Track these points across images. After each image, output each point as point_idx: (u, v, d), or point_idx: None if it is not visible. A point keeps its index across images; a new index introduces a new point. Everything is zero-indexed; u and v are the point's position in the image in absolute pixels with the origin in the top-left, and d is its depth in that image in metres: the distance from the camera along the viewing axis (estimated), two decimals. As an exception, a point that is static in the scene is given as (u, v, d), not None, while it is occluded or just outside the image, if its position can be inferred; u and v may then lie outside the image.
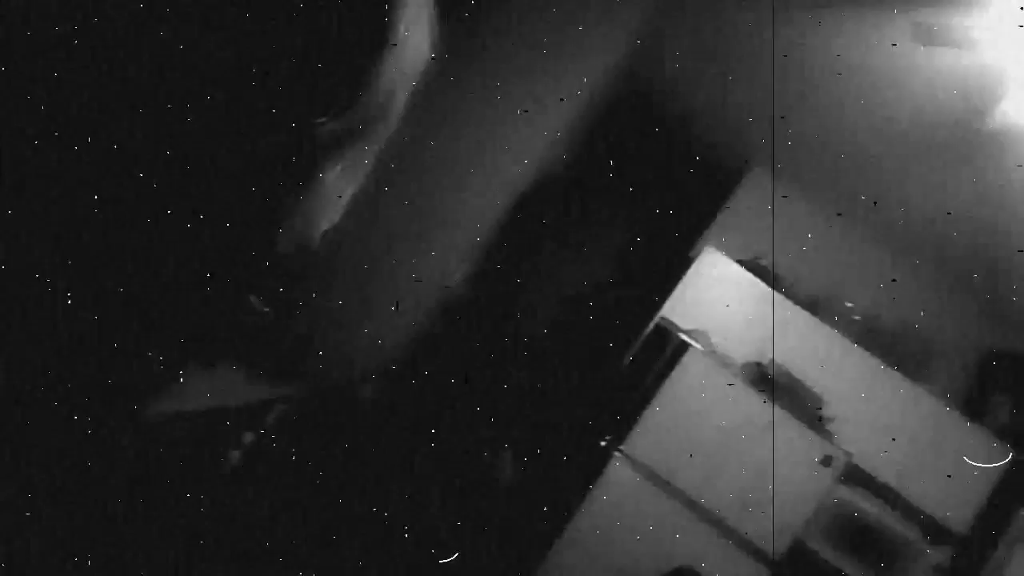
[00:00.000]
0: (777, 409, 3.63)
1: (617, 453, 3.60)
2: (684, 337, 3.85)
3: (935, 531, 3.94)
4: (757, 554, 3.53)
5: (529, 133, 3.59)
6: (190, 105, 0.47)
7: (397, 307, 3.36)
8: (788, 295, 4.23)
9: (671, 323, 4.07)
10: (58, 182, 0.48)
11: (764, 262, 4.36)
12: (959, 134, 3.24)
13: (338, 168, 0.55)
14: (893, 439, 4.00)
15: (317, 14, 0.48)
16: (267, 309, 2.63)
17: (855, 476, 3.95)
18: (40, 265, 0.51)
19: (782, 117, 3.91)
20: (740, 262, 4.26)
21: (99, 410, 0.65)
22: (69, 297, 0.53)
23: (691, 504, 3.57)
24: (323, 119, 0.51)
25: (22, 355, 0.55)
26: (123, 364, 0.61)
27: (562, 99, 3.61)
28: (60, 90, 0.46)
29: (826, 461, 3.58)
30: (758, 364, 3.95)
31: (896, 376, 4.08)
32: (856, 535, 3.83)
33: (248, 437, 3.02)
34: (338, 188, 0.56)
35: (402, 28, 0.53)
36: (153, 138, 0.47)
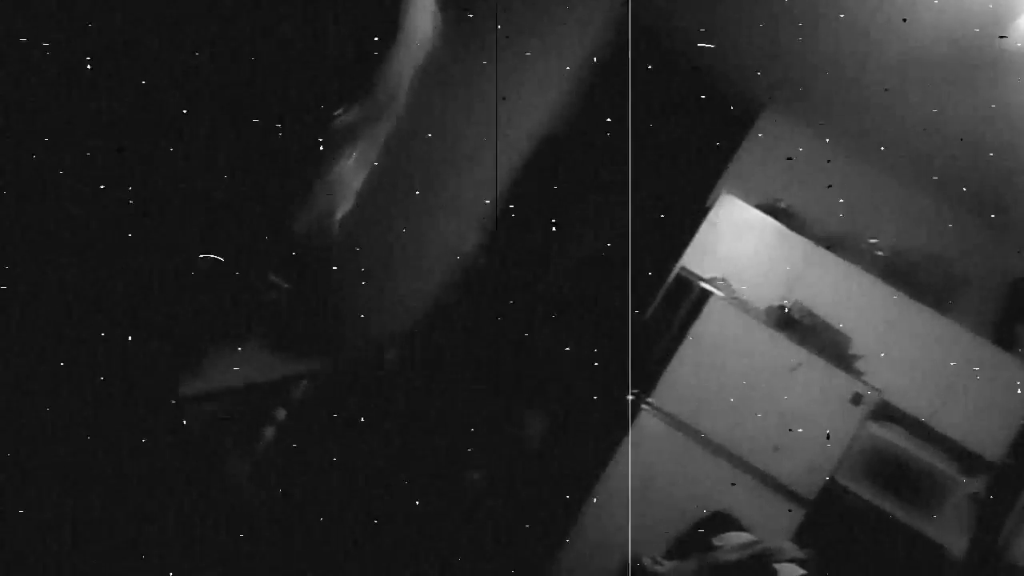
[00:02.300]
0: (804, 350, 3.62)
1: (645, 405, 3.62)
2: (706, 285, 3.83)
3: (969, 461, 3.94)
4: (791, 496, 3.55)
5: (537, 89, 3.55)
6: (211, 101, 0.48)
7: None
8: (808, 235, 4.19)
9: (692, 272, 4.05)
10: (90, 168, 0.49)
11: (782, 204, 4.31)
12: (976, 57, 3.14)
13: (352, 157, 0.56)
14: (922, 373, 3.98)
15: (327, 10, 0.49)
16: (286, 285, 2.65)
17: (886, 412, 3.94)
18: (67, 248, 0.52)
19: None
20: (758, 206, 4.22)
21: (130, 391, 0.66)
22: (95, 280, 0.54)
23: (722, 451, 3.59)
24: (338, 111, 0.53)
25: (49, 339, 0.56)
26: (151, 344, 0.62)
27: (569, 53, 3.55)
28: (92, 79, 0.47)
29: (856, 399, 3.57)
30: (782, 307, 3.93)
31: (923, 309, 4.05)
32: (890, 471, 3.84)
33: (281, 413, 3.07)
34: (352, 176, 0.57)
35: (408, 19, 0.55)
36: (178, 132, 0.48)
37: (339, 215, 0.57)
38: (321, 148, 0.52)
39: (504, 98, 3.31)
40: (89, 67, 0.46)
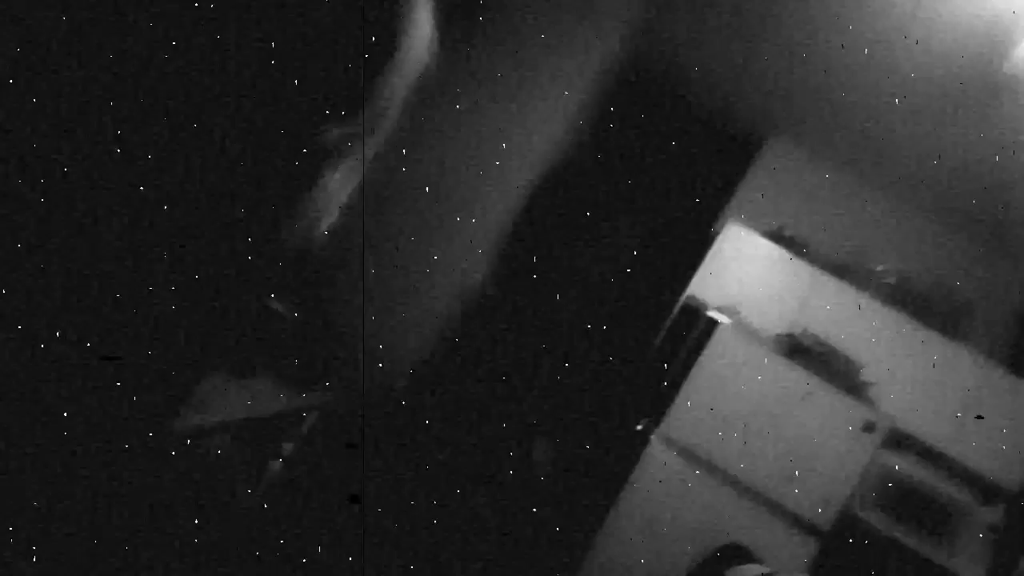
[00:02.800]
0: (814, 378, 3.59)
1: (655, 435, 3.58)
2: (713, 314, 3.81)
3: (985, 490, 3.88)
4: (804, 526, 3.50)
5: (543, 117, 3.58)
6: (199, 112, 0.48)
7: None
8: (815, 262, 4.18)
9: (699, 301, 4.04)
10: (81, 197, 0.49)
11: (788, 232, 4.31)
12: (979, 82, 3.16)
13: (339, 171, 0.57)
14: (935, 400, 3.94)
15: (323, 25, 0.50)
16: (289, 312, 2.66)
17: (899, 440, 3.89)
18: (65, 278, 0.52)
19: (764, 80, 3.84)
20: (764, 234, 4.22)
21: (133, 423, 0.65)
22: (93, 311, 0.54)
23: (733, 481, 3.54)
24: (327, 125, 0.53)
25: (50, 374, 0.56)
26: (154, 375, 0.62)
27: (574, 81, 3.59)
28: (75, 101, 0.47)
29: (868, 427, 3.52)
30: (791, 335, 3.90)
31: (933, 335, 4.01)
32: (904, 500, 3.78)
33: (288, 447, 3.06)
34: (338, 189, 0.57)
35: (404, 36, 0.55)
36: (162, 143, 0.48)
37: (322, 228, 0.57)
38: (308, 161, 0.52)
39: (512, 126, 3.34)
40: (81, 77, 0.47)
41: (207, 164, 0.49)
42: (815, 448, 3.53)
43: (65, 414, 0.61)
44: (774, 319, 4.07)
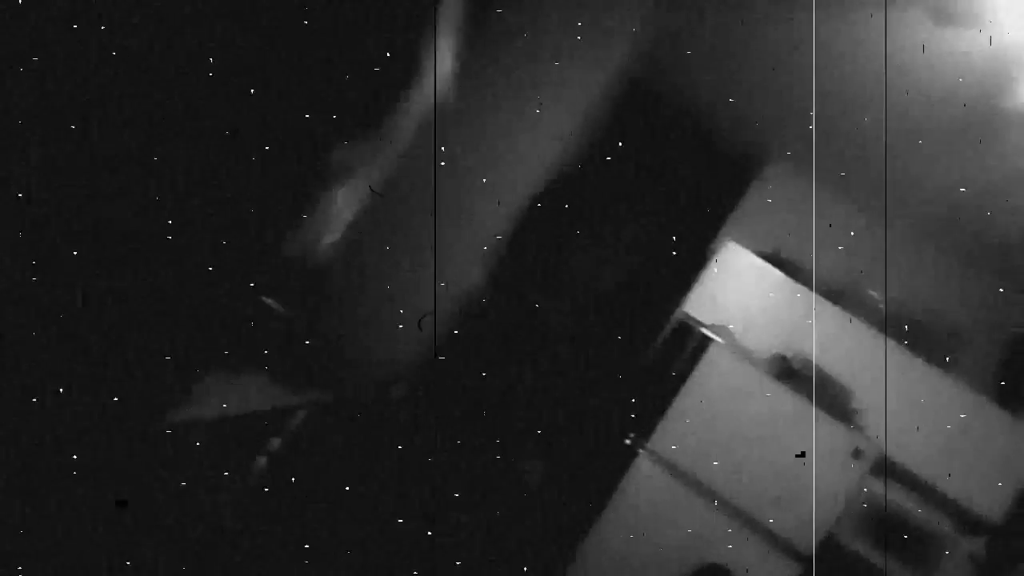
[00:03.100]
0: (805, 402, 3.59)
1: (642, 451, 3.58)
2: (707, 332, 3.82)
3: (969, 521, 3.89)
4: (788, 550, 3.50)
5: (543, 133, 3.59)
6: (216, 122, 0.49)
7: (420, 325, 3.39)
8: (811, 286, 4.19)
9: (693, 319, 4.04)
10: (88, 199, 0.49)
11: (785, 254, 4.32)
12: (978, 116, 3.18)
13: (346, 189, 0.57)
14: (924, 429, 3.94)
15: (344, 47, 0.50)
16: (284, 310, 2.66)
17: (886, 468, 3.89)
18: (65, 274, 0.52)
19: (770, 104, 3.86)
20: (761, 255, 4.23)
21: (123, 416, 0.65)
22: (91, 305, 0.54)
23: (719, 501, 3.54)
24: (338, 145, 0.53)
25: (47, 365, 0.56)
26: (146, 369, 0.62)
27: (575, 97, 3.60)
28: (95, 117, 0.48)
29: (856, 453, 3.53)
30: (783, 357, 3.91)
31: (925, 365, 4.02)
32: (889, 528, 3.78)
33: (275, 443, 3.05)
34: (344, 206, 0.58)
35: (426, 67, 0.56)
36: (176, 149, 0.49)
37: (326, 242, 0.57)
38: (318, 177, 0.53)
39: (512, 135, 3.35)
40: (105, 82, 0.47)
41: (220, 172, 0.49)
42: (802, 472, 3.53)
43: (59, 407, 0.61)
44: (767, 341, 4.08)
